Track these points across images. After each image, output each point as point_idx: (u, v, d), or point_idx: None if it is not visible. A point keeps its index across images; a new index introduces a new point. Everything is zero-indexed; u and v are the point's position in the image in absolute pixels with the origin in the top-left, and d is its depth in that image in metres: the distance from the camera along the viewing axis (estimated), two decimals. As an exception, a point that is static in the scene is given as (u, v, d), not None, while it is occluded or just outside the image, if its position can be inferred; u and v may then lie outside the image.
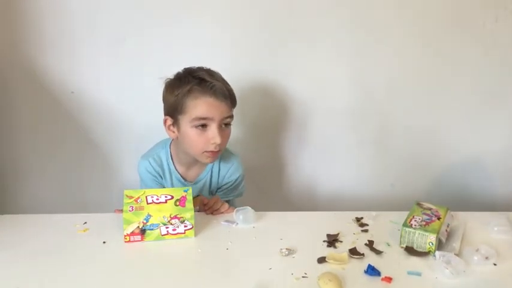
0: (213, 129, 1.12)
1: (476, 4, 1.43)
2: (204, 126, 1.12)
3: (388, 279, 0.87)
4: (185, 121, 1.13)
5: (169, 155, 1.25)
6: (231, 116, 1.16)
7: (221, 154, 1.23)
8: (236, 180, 1.28)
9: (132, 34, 1.45)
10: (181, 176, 1.26)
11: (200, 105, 1.11)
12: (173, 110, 1.15)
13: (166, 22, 1.44)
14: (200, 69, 1.16)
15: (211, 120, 1.12)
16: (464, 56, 1.49)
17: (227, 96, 1.13)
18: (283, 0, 1.43)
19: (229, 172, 1.27)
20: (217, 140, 1.12)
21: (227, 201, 1.28)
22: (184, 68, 1.17)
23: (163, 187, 1.26)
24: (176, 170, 1.25)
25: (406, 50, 1.48)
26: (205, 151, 1.14)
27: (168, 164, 1.25)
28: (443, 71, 1.51)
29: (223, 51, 1.47)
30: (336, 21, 1.45)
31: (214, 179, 1.27)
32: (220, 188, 1.28)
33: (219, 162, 1.26)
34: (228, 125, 1.16)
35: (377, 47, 1.48)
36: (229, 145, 1.30)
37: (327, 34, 1.46)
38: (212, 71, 1.16)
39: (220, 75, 1.17)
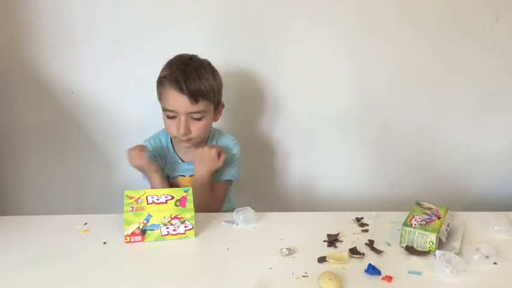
0: (179, 120, 1.18)
1: (476, 4, 1.43)
2: (174, 116, 1.18)
3: (389, 279, 0.87)
4: (161, 106, 1.21)
5: (169, 138, 1.30)
6: (200, 111, 1.18)
7: (216, 138, 1.30)
8: (233, 156, 1.30)
9: (132, 34, 1.45)
10: (179, 157, 1.30)
11: (167, 97, 1.18)
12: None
13: (166, 22, 1.44)
14: (180, 60, 1.19)
15: (177, 112, 1.17)
16: (464, 56, 1.49)
17: (191, 92, 1.15)
18: None
19: (225, 150, 1.29)
20: (181, 131, 1.17)
21: (227, 181, 1.32)
22: (177, 55, 1.22)
23: (162, 169, 1.29)
24: (175, 151, 1.30)
25: (406, 50, 1.48)
26: (176, 137, 1.21)
27: (168, 146, 1.31)
28: (443, 71, 1.51)
29: (223, 51, 1.47)
30: (336, 21, 1.45)
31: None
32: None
33: (216, 144, 1.30)
34: (200, 119, 1.19)
35: (377, 47, 1.48)
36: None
37: (327, 33, 1.46)
38: (190, 65, 1.17)
39: (197, 70, 1.17)
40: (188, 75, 1.15)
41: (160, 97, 1.21)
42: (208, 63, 1.22)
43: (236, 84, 1.46)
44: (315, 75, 1.51)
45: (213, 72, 1.22)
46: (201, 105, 1.18)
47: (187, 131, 1.18)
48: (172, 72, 1.16)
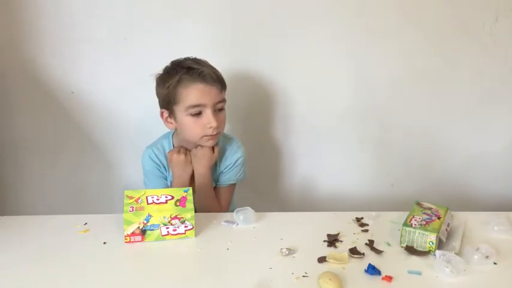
0: (207, 114, 1.16)
1: (476, 4, 1.43)
2: (199, 113, 1.16)
3: (389, 279, 0.87)
4: (180, 111, 1.17)
5: (172, 145, 1.28)
6: (223, 100, 1.20)
7: (220, 140, 1.28)
8: (237, 160, 1.29)
9: (132, 34, 1.45)
10: None
11: (191, 93, 1.15)
12: (167, 102, 1.19)
13: (166, 22, 1.44)
14: (187, 59, 1.20)
15: (205, 106, 1.16)
16: (464, 56, 1.49)
17: (216, 80, 1.17)
18: (283, -1, 1.44)
19: (230, 154, 1.29)
20: (213, 124, 1.16)
21: (232, 185, 1.32)
22: (171, 61, 1.21)
23: (165, 177, 1.28)
24: None
25: (406, 50, 1.48)
26: (204, 135, 1.19)
27: None
28: (443, 71, 1.51)
29: (223, 50, 1.47)
30: (337, 21, 1.45)
31: (216, 164, 1.29)
32: (222, 172, 1.30)
33: (220, 147, 1.28)
34: (222, 109, 1.21)
35: (377, 47, 1.48)
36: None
37: (328, 33, 1.46)
38: (198, 59, 1.20)
39: (207, 62, 1.21)
40: (206, 66, 1.17)
41: (179, 99, 1.16)
42: None
43: (236, 84, 1.46)
44: (315, 75, 1.51)
45: None
46: (223, 93, 1.20)
47: (219, 122, 1.18)
48: (189, 69, 1.15)
